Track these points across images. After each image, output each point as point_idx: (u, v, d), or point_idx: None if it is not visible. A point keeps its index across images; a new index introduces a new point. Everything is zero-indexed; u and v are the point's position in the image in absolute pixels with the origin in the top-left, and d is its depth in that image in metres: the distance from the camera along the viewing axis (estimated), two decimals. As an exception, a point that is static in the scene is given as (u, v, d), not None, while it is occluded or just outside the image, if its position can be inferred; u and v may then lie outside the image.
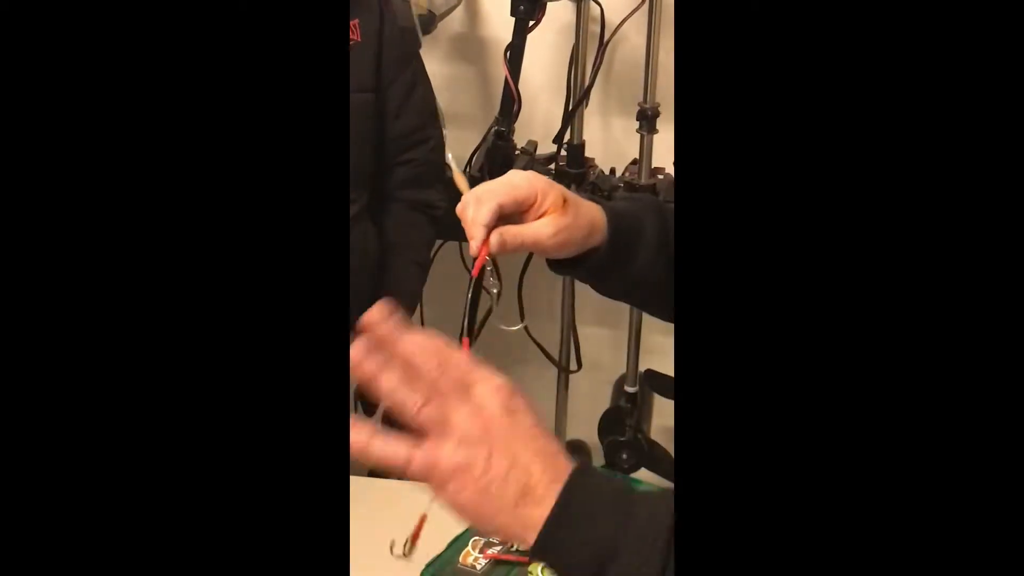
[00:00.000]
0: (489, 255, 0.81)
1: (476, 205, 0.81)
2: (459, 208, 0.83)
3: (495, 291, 0.85)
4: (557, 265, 0.89)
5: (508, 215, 0.82)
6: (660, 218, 0.89)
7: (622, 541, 0.63)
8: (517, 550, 1.05)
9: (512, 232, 0.82)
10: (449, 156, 0.96)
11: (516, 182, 0.83)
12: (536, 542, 0.63)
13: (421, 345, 0.65)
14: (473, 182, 1.69)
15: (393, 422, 0.64)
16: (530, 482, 0.63)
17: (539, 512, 0.63)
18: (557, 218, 0.82)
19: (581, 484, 0.64)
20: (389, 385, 0.64)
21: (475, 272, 0.82)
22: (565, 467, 0.64)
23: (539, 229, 0.82)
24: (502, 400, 0.64)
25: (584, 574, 0.63)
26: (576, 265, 0.87)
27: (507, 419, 0.64)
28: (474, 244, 0.81)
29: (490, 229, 0.81)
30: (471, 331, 1.91)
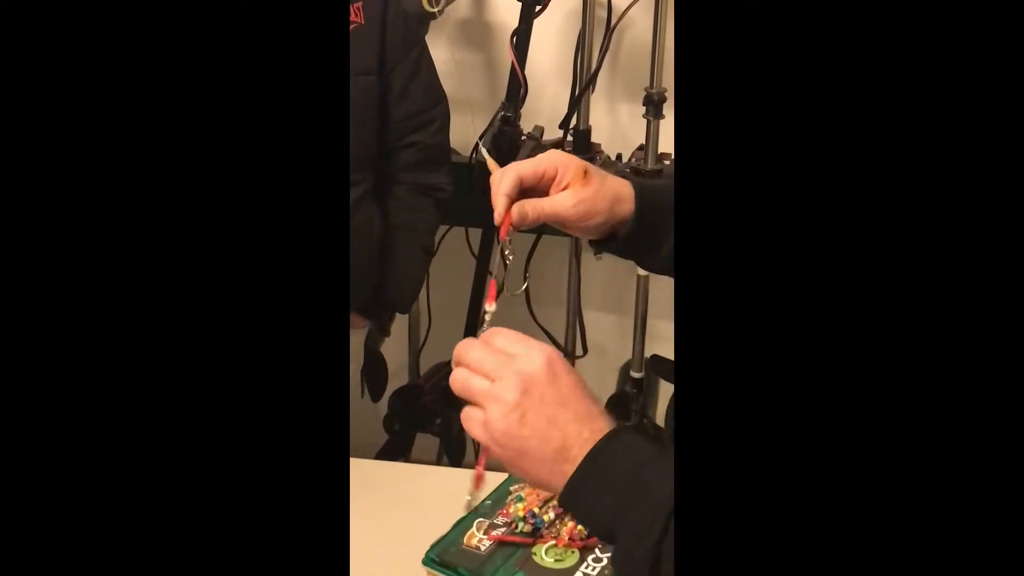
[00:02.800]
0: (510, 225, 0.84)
1: (501, 177, 0.85)
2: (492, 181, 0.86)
3: (510, 256, 0.88)
4: (596, 243, 0.92)
5: (530, 188, 0.85)
6: None
7: (628, 514, 0.68)
8: (521, 532, 1.06)
9: (533, 204, 0.85)
10: (480, 143, 1.01)
11: (538, 157, 0.86)
12: (561, 497, 0.70)
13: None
14: (480, 168, 1.69)
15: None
16: (566, 442, 0.69)
17: (571, 470, 0.69)
18: (578, 190, 0.86)
19: (605, 451, 0.70)
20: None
21: (502, 236, 0.85)
22: (601, 429, 0.70)
23: (560, 200, 0.86)
24: (543, 364, 0.71)
25: (599, 531, 0.72)
26: (610, 242, 0.91)
27: (547, 382, 0.70)
28: (496, 214, 0.84)
29: (511, 199, 0.84)
30: (477, 317, 1.92)
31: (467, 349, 0.74)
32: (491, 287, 0.85)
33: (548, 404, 0.70)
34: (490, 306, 0.84)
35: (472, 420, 0.72)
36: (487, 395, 0.71)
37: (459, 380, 0.73)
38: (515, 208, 0.84)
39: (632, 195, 0.88)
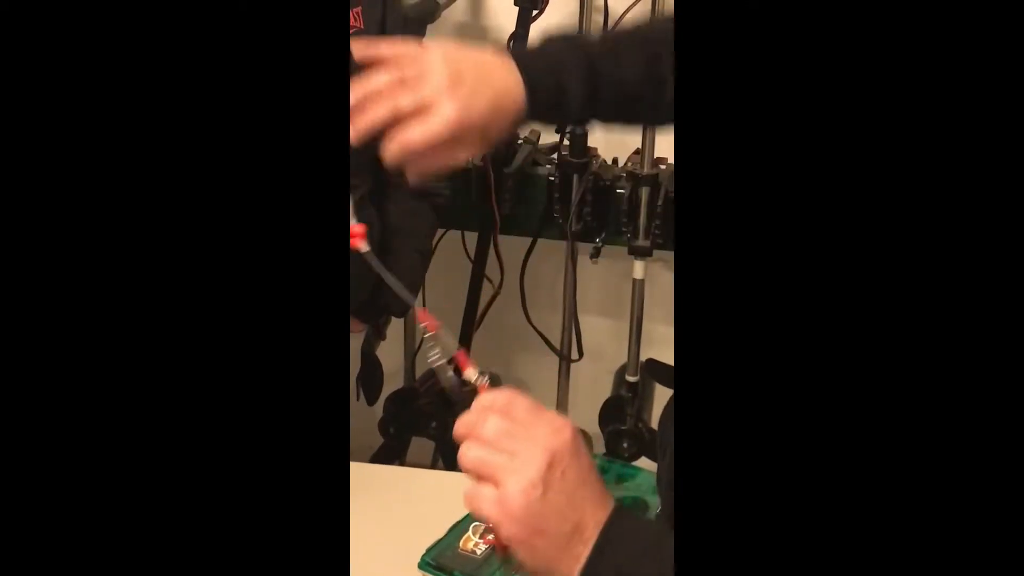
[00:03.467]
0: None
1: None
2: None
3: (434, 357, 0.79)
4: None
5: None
6: (588, 71, 0.90)
7: None
8: (517, 536, 1.05)
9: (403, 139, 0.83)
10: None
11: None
12: None
13: None
14: (477, 172, 1.69)
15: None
16: (582, 523, 0.67)
17: (586, 551, 0.66)
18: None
19: (619, 528, 0.67)
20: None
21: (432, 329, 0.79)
22: (610, 508, 0.68)
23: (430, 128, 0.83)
24: (570, 438, 0.68)
25: None
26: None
27: (571, 457, 0.68)
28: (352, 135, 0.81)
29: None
30: (473, 320, 1.92)
31: (479, 423, 0.69)
32: (462, 358, 0.77)
33: (570, 481, 0.67)
34: (471, 373, 0.77)
35: (482, 498, 0.67)
36: (506, 470, 0.67)
37: (472, 457, 0.68)
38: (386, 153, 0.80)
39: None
